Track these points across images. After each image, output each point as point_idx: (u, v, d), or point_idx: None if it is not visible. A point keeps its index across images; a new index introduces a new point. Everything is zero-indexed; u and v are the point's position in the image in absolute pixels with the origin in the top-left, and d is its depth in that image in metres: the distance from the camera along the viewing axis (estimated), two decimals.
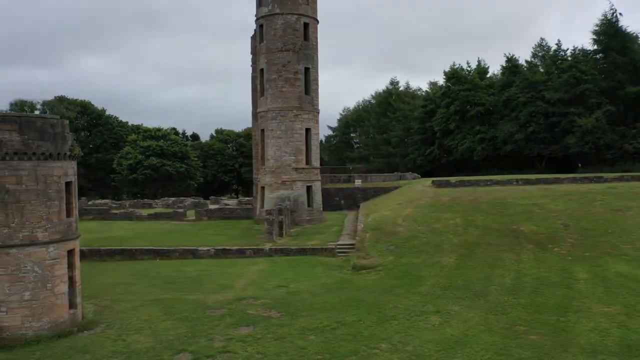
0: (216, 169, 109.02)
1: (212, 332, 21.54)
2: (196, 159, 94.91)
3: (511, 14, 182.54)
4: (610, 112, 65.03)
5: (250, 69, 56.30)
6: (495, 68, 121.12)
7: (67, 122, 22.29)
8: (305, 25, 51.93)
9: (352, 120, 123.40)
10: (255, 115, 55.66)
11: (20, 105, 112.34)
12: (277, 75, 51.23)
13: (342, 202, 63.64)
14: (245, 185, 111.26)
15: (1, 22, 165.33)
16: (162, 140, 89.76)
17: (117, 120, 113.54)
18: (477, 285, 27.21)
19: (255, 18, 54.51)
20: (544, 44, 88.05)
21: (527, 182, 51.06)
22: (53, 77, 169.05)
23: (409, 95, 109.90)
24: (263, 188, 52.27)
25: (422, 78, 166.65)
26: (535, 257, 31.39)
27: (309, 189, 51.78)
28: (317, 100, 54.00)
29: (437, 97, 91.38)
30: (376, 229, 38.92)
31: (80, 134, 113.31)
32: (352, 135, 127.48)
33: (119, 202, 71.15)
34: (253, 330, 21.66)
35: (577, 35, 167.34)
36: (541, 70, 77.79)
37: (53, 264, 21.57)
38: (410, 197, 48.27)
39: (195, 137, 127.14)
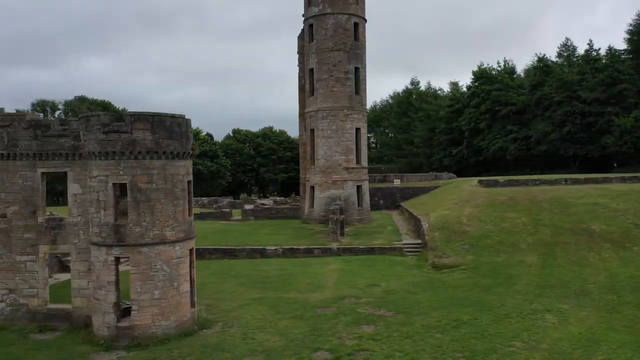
0: (235, 168, 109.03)
1: (336, 331, 21.65)
2: (224, 158, 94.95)
3: (511, 14, 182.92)
4: None
5: (297, 68, 56.31)
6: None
7: (190, 120, 22.33)
8: (355, 24, 52.05)
9: (370, 121, 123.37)
10: (301, 115, 55.74)
11: (42, 105, 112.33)
12: (328, 75, 51.30)
13: (381, 201, 63.89)
14: (262, 185, 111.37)
15: (4, 23, 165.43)
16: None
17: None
18: (574, 284, 27.34)
19: (303, 18, 54.63)
20: (569, 43, 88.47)
21: (576, 181, 51.19)
22: (56, 78, 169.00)
23: (431, 95, 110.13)
24: (312, 188, 52.31)
25: (422, 78, 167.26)
26: (618, 256, 31.53)
27: (358, 188, 51.90)
28: (365, 100, 54.15)
29: (464, 96, 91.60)
30: (443, 229, 38.99)
31: None
32: (368, 135, 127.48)
33: None
34: (376, 329, 21.76)
35: (578, 36, 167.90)
36: (564, 69, 78.02)
37: (179, 262, 21.66)
38: (463, 197, 48.31)
39: (210, 137, 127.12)
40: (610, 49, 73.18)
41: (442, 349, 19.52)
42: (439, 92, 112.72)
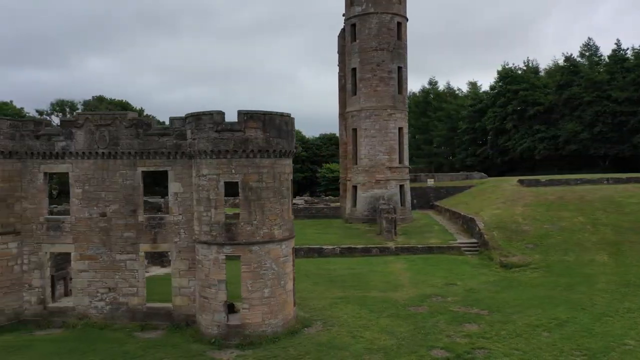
0: None
1: (440, 329, 21.73)
2: None
3: (514, 14, 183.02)
4: None
5: (337, 68, 56.36)
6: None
7: (294, 119, 22.35)
8: (399, 24, 52.08)
9: None
10: (342, 115, 55.78)
11: (61, 105, 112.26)
12: (372, 74, 51.32)
13: (415, 201, 63.72)
14: None
15: (7, 24, 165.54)
16: None
17: (157, 120, 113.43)
18: None
19: (344, 17, 54.67)
20: (592, 43, 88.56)
21: (618, 180, 51.31)
22: (57, 78, 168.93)
23: (450, 94, 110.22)
24: (354, 187, 52.33)
25: (423, 78, 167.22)
26: None
27: (401, 188, 51.93)
28: (406, 100, 54.21)
29: (487, 96, 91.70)
30: (500, 228, 39.07)
31: None
32: None
33: None
34: (480, 328, 21.82)
35: (578, 37, 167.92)
36: (592, 69, 78.12)
37: (285, 261, 21.70)
38: (508, 197, 48.35)
39: None
40: (635, 49, 73.44)
41: (558, 348, 19.58)
42: (456, 92, 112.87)
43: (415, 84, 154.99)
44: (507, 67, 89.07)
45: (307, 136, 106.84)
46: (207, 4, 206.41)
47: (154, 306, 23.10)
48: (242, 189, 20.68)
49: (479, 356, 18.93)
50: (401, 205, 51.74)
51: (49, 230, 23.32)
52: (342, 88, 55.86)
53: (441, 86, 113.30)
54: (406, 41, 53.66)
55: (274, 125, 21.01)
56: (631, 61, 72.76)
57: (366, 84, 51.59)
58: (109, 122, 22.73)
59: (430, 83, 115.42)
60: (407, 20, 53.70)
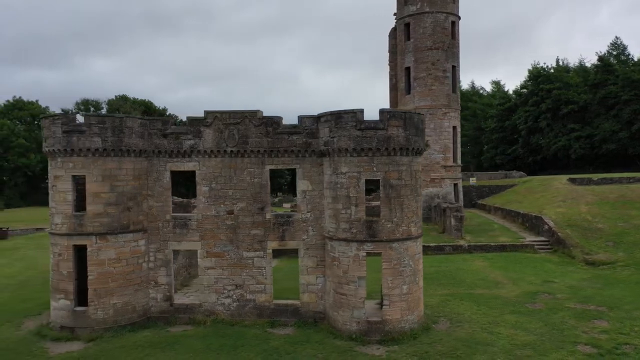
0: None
1: (571, 325, 21.97)
2: None
3: (515, 15, 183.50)
4: None
5: (388, 67, 56.54)
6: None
7: (424, 117, 22.52)
8: (453, 23, 52.29)
9: None
10: None
11: (85, 104, 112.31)
12: (426, 73, 51.55)
13: None
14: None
15: (10, 24, 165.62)
16: None
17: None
18: None
19: (395, 17, 54.89)
20: (619, 42, 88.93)
21: None
22: (62, 78, 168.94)
23: (475, 94, 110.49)
24: None
25: None
26: None
27: (455, 186, 52.15)
28: (459, 99, 54.42)
29: (516, 95, 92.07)
30: (572, 226, 39.35)
31: None
32: None
33: None
34: (610, 324, 22.04)
35: (579, 38, 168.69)
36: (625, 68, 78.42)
37: (419, 258, 21.92)
38: (565, 195, 48.53)
39: None
40: None
41: None
42: (480, 90, 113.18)
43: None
44: (537, 66, 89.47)
45: None
46: (211, 5, 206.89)
47: (282, 303, 23.27)
48: (383, 186, 20.88)
49: (629, 351, 19.14)
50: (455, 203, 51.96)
51: (175, 228, 23.48)
52: (393, 87, 56.06)
53: (465, 85, 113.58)
54: (459, 40, 53.90)
55: (412, 123, 21.22)
56: None
57: (421, 83, 51.81)
58: (239, 120, 22.88)
59: None
60: (459, 18, 53.93)
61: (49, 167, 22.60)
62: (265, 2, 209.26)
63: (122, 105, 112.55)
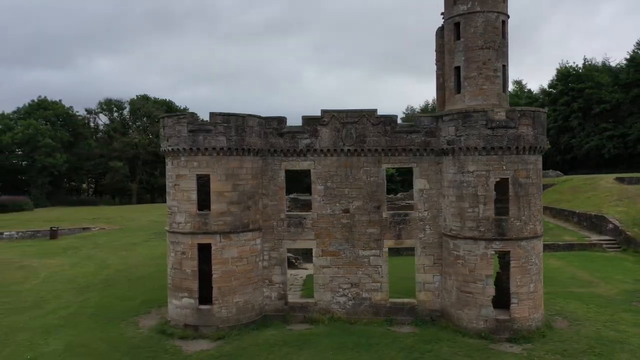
0: None
1: None
2: None
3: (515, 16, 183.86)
4: None
5: (435, 67, 56.49)
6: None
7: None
8: (503, 22, 52.28)
9: None
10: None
11: (108, 104, 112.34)
12: (477, 72, 51.34)
13: None
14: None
15: (11, 25, 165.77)
16: None
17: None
18: None
19: (443, 17, 54.87)
20: None
21: None
22: (65, 78, 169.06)
23: None
24: None
25: (426, 78, 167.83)
26: None
27: None
28: (508, 98, 54.48)
29: (543, 94, 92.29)
30: (638, 225, 39.42)
31: None
32: None
33: None
34: None
35: (579, 38, 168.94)
36: None
37: (541, 257, 21.95)
38: (620, 194, 48.54)
39: None
40: None
41: None
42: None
43: None
44: (567, 65, 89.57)
45: None
46: (214, 5, 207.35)
47: (398, 301, 23.31)
48: (512, 185, 20.95)
49: None
50: None
51: (289, 226, 23.52)
52: (440, 87, 55.98)
53: None
54: (507, 39, 53.93)
55: (540, 122, 21.31)
56: None
57: (471, 83, 51.59)
58: (356, 119, 22.94)
59: None
60: (508, 17, 53.96)
61: (169, 166, 22.61)
62: (267, 2, 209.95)
63: (144, 105, 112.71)
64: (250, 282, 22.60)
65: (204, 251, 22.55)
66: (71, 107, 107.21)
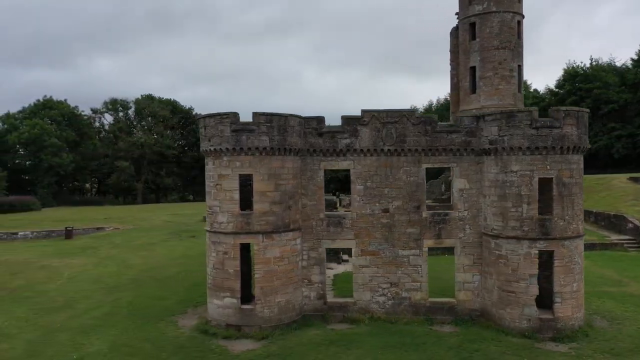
0: None
1: None
2: None
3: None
4: None
5: (450, 67, 56.61)
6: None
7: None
8: (518, 22, 52.44)
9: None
10: (454, 113, 56.04)
11: (114, 104, 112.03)
12: (493, 72, 51.55)
13: None
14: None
15: (11, 25, 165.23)
16: None
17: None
18: None
19: (457, 17, 54.98)
20: None
21: None
22: (66, 78, 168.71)
23: None
24: None
25: (426, 78, 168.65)
26: None
27: None
28: (523, 98, 54.63)
29: (550, 94, 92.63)
30: None
31: (175, 132, 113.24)
32: None
33: None
34: None
35: (579, 39, 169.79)
36: None
37: (582, 256, 22.02)
38: (634, 194, 48.84)
39: None
40: None
41: None
42: None
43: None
44: (574, 66, 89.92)
45: None
46: (215, 6, 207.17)
47: (437, 301, 23.36)
48: (556, 184, 21.00)
49: None
50: None
51: (329, 226, 23.53)
52: (454, 87, 56.08)
53: None
54: (522, 39, 54.10)
55: (583, 122, 21.37)
56: None
57: (487, 83, 51.85)
58: (396, 119, 22.95)
59: None
60: (523, 18, 54.13)
61: (210, 166, 22.58)
62: (267, 2, 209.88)
63: (149, 104, 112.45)
64: (291, 281, 22.60)
65: (242, 251, 22.59)
66: (76, 106, 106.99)
